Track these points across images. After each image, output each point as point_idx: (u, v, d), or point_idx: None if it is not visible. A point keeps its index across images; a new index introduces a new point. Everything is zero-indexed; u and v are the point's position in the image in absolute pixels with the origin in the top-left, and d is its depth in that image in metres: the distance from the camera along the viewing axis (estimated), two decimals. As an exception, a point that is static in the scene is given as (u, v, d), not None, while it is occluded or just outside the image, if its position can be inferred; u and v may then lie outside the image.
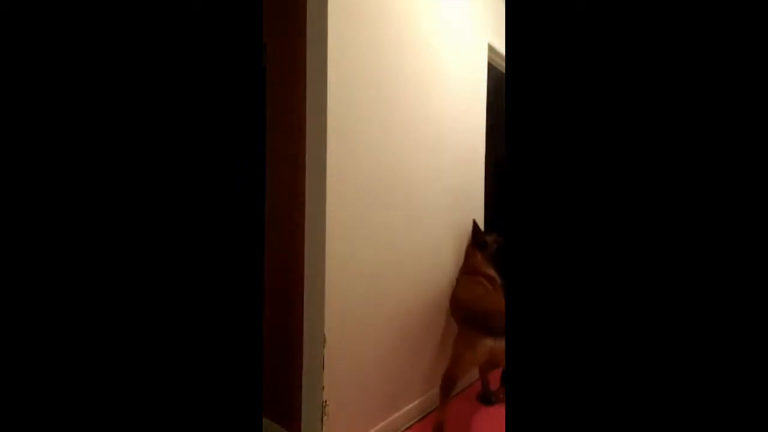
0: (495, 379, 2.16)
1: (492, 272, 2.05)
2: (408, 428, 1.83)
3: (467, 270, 2.08)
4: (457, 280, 2.09)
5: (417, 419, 1.89)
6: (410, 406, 1.86)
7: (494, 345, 1.63)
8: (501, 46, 2.48)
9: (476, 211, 2.32)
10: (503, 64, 2.62)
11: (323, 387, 1.40)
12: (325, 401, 1.41)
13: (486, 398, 2.03)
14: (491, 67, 2.51)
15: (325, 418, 1.41)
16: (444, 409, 1.67)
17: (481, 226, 2.37)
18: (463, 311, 1.82)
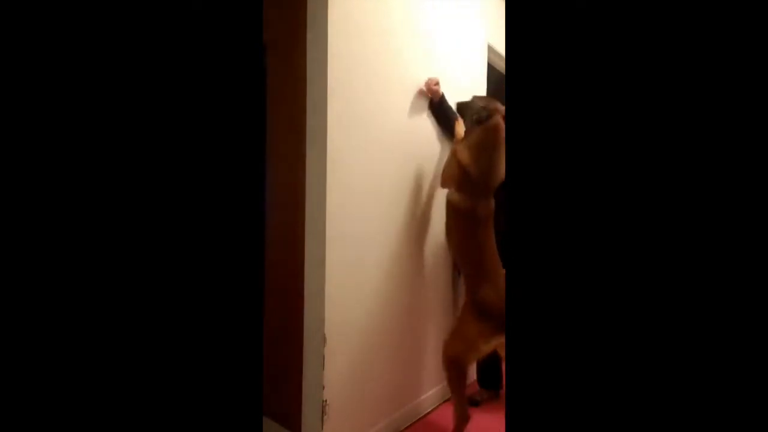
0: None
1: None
2: (408, 428, 1.83)
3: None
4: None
5: (416, 418, 1.89)
6: (410, 405, 1.86)
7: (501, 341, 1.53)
8: (501, 46, 2.48)
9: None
10: (503, 64, 2.62)
11: (323, 386, 1.41)
12: (325, 401, 1.41)
13: (472, 400, 2.03)
14: (491, 67, 2.51)
15: (325, 417, 1.41)
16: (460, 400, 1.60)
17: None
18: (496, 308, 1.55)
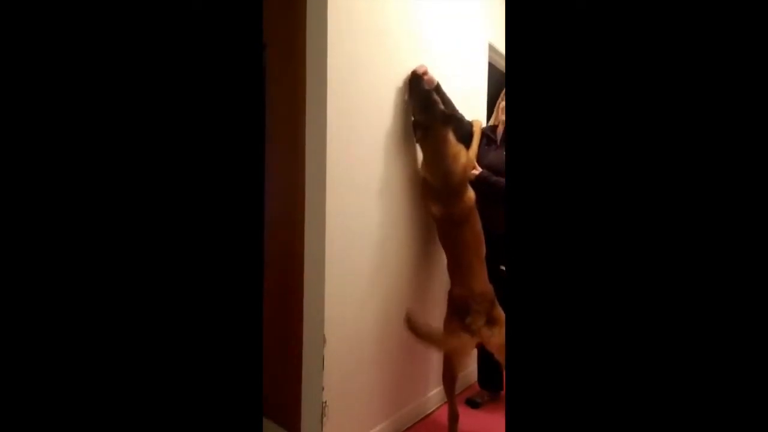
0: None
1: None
2: (408, 428, 1.82)
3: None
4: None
5: (417, 419, 1.89)
6: (410, 406, 1.86)
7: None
8: (501, 46, 2.48)
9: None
10: (503, 63, 2.62)
11: (323, 387, 1.40)
12: (325, 401, 1.41)
13: (473, 401, 2.04)
14: (492, 67, 2.51)
15: (325, 418, 1.41)
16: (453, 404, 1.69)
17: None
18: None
